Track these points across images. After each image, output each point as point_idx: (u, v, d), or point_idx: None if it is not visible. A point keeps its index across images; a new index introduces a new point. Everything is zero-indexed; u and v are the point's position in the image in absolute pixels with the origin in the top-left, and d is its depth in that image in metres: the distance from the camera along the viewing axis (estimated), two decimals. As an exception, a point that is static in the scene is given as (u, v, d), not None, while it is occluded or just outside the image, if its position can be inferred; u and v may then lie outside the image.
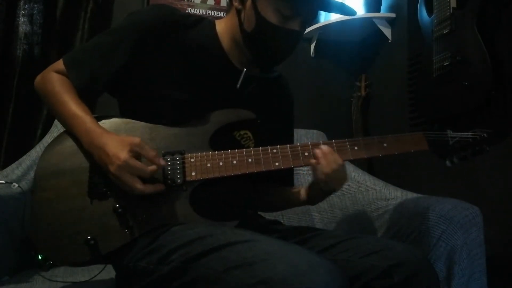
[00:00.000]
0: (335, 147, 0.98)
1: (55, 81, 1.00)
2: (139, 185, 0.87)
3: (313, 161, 0.96)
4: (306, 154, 0.98)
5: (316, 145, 0.98)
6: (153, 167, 0.88)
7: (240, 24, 1.01)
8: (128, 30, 1.00)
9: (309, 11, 1.01)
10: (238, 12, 1.02)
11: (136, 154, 0.88)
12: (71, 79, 1.00)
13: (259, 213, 1.18)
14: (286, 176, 1.21)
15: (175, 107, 0.99)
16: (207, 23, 1.08)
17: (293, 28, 0.99)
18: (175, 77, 1.01)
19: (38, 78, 1.04)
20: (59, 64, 1.02)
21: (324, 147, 0.97)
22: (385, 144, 1.00)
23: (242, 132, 1.05)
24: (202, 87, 1.02)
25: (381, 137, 1.01)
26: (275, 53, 1.02)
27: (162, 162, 0.90)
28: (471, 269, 1.09)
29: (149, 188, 0.88)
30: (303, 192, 1.10)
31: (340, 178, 0.98)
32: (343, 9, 1.03)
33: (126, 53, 0.99)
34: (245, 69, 1.05)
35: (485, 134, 0.98)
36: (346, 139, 1.00)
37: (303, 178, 1.61)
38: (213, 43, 1.06)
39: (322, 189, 1.00)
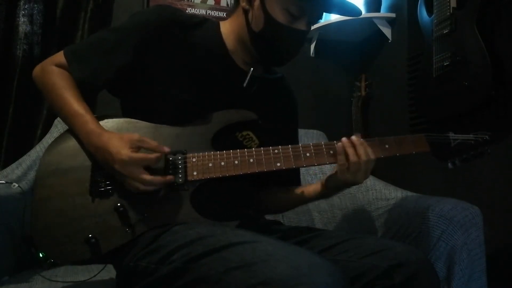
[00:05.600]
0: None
1: (55, 75, 0.99)
2: (148, 177, 0.87)
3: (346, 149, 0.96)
4: (308, 154, 0.98)
5: (327, 144, 0.99)
6: (157, 154, 0.88)
7: (248, 24, 1.02)
8: (132, 29, 1.00)
9: (315, 11, 1.02)
10: (245, 12, 1.02)
11: (138, 149, 0.89)
12: (72, 72, 0.99)
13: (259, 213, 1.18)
14: (294, 177, 1.21)
15: (178, 107, 1.00)
16: (211, 24, 1.08)
17: (300, 28, 1.00)
18: (179, 77, 1.01)
19: (37, 70, 1.03)
20: (59, 57, 1.01)
21: (354, 138, 0.97)
22: (386, 146, 1.00)
23: (244, 133, 1.05)
24: (206, 88, 1.03)
25: (382, 138, 1.01)
26: (282, 52, 1.03)
27: (165, 149, 0.90)
28: (471, 269, 1.09)
29: (158, 179, 0.88)
30: (317, 187, 1.09)
31: (367, 170, 0.98)
32: (348, 9, 1.04)
33: (129, 52, 0.99)
34: (252, 69, 1.06)
35: (486, 137, 0.98)
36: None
37: (303, 177, 1.61)
38: (217, 44, 1.06)
39: (345, 180, 0.98)
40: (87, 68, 0.99)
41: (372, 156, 0.97)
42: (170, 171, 0.93)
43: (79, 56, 1.01)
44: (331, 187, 1.05)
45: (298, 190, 1.14)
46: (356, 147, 0.96)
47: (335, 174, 1.00)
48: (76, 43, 1.07)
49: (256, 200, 1.16)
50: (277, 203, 1.20)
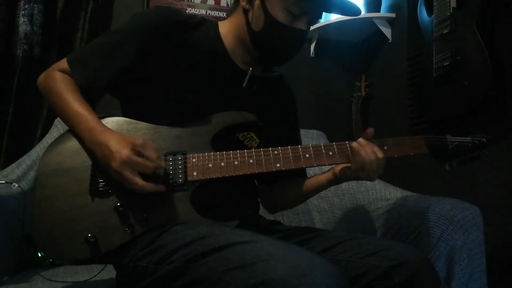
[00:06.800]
0: (336, 150, 0.99)
1: (58, 79, 1.00)
2: (140, 182, 0.87)
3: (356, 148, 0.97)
4: (307, 155, 0.98)
5: (326, 145, 0.99)
6: (154, 164, 0.88)
7: (248, 23, 1.02)
8: (133, 31, 1.01)
9: (316, 11, 1.02)
10: (245, 12, 1.03)
11: (138, 154, 0.89)
12: (75, 78, 1.00)
13: (260, 213, 1.18)
14: (299, 170, 1.20)
15: (178, 108, 1.00)
16: (210, 24, 1.09)
17: (301, 27, 1.00)
18: (179, 78, 1.01)
19: (41, 77, 1.04)
20: (63, 63, 1.03)
21: (361, 141, 0.98)
22: (385, 147, 1.01)
23: (245, 133, 1.05)
24: (206, 88, 1.03)
25: (381, 140, 1.01)
26: (282, 52, 1.04)
27: (163, 163, 0.90)
28: (471, 269, 1.09)
29: (150, 186, 0.88)
30: (329, 175, 1.08)
31: (379, 169, 0.99)
32: (348, 9, 1.04)
33: (130, 54, 0.99)
34: (251, 68, 1.06)
35: (484, 139, 0.98)
36: (346, 142, 1.01)
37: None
38: (216, 44, 1.06)
39: (359, 178, 1.00)
40: (89, 73, 1.00)
41: (380, 155, 0.97)
42: (170, 172, 0.93)
43: (80, 62, 1.02)
44: (343, 178, 1.05)
45: (308, 181, 1.14)
46: (367, 149, 0.97)
47: (349, 169, 1.01)
48: (78, 49, 1.08)
49: (263, 198, 1.16)
50: (287, 197, 1.19)
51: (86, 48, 1.08)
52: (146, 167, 0.87)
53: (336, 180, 1.07)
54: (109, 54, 1.00)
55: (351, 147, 0.98)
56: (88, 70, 1.00)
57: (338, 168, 1.05)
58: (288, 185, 1.18)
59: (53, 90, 1.00)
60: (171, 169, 0.94)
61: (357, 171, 0.98)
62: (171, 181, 0.93)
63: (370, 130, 1.01)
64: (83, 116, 0.94)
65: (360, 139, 0.99)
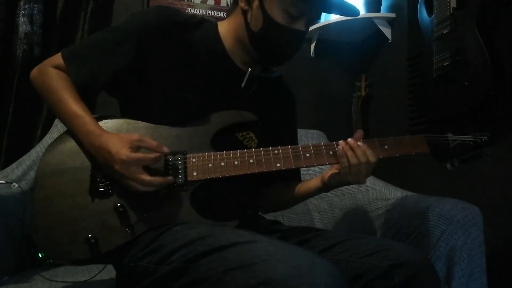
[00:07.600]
0: (336, 149, 0.99)
1: (54, 77, 0.98)
2: (146, 177, 0.87)
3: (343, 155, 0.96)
4: (307, 155, 0.98)
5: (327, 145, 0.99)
6: (156, 154, 0.88)
7: (246, 24, 1.02)
8: (133, 30, 1.00)
9: (314, 12, 1.02)
10: (244, 12, 1.03)
11: (138, 149, 0.89)
12: (71, 75, 0.99)
13: (259, 213, 1.18)
14: (294, 172, 1.21)
15: (178, 108, 1.00)
16: (209, 24, 1.09)
17: (299, 28, 1.00)
18: (179, 78, 1.01)
19: (35, 72, 1.02)
20: (57, 59, 1.00)
21: (351, 141, 0.97)
22: (386, 146, 1.00)
23: (244, 133, 1.05)
24: (206, 88, 1.03)
25: (382, 139, 1.01)
26: (281, 52, 1.04)
27: (165, 149, 0.90)
28: (471, 269, 1.09)
29: (158, 180, 0.88)
30: (317, 182, 1.09)
31: (368, 171, 0.98)
32: (347, 10, 1.04)
33: (129, 53, 0.99)
34: (250, 69, 1.06)
35: (485, 138, 0.98)
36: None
37: (303, 177, 1.60)
38: (216, 44, 1.06)
39: (348, 182, 0.99)
40: (85, 70, 0.99)
41: (372, 159, 0.97)
42: (170, 172, 0.93)
43: (77, 58, 1.00)
44: (332, 185, 1.05)
45: (300, 186, 1.14)
46: (354, 149, 0.97)
47: (338, 174, 1.01)
48: (74, 44, 1.05)
49: (259, 198, 1.16)
50: (281, 199, 1.20)
51: (82, 44, 1.06)
52: (148, 159, 0.87)
53: (325, 187, 1.07)
54: (107, 53, 0.99)
55: (337, 148, 0.98)
56: (85, 68, 0.99)
57: (327, 175, 1.05)
58: (283, 187, 1.18)
59: (49, 88, 0.98)
60: (171, 169, 0.94)
61: (346, 174, 0.98)
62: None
63: (360, 132, 1.00)
64: (80, 119, 0.94)
65: (349, 139, 0.98)
